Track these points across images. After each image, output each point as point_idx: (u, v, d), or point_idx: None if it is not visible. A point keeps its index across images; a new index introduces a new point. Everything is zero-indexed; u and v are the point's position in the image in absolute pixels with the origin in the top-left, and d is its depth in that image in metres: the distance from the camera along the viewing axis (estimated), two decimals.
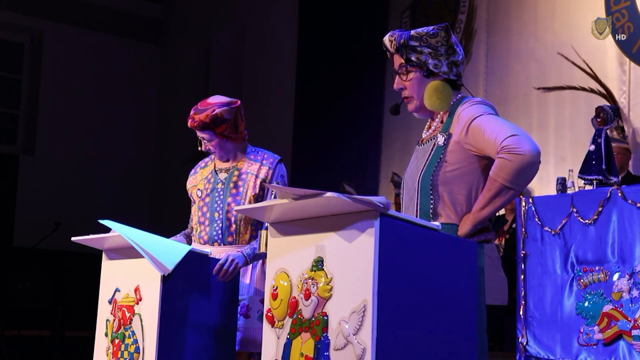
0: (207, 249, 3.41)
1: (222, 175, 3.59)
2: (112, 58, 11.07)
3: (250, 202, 3.46)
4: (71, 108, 10.73)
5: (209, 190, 3.58)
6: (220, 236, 3.50)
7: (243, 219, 3.48)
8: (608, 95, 6.29)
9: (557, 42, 6.89)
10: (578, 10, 6.74)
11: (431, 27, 2.68)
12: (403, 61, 2.68)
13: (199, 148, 3.61)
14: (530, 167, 2.45)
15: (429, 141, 2.69)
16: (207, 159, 3.75)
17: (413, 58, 2.65)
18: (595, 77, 6.34)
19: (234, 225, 3.49)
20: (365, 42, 8.52)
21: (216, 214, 3.52)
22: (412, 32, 2.68)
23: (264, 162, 3.58)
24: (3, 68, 10.68)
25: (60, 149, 10.58)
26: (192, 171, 3.75)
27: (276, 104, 9.60)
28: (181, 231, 3.74)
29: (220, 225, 3.51)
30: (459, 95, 2.70)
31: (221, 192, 3.55)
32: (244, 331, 3.37)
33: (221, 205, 3.52)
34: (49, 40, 10.78)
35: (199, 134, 3.55)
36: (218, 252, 3.44)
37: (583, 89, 6.43)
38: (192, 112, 3.52)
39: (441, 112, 2.70)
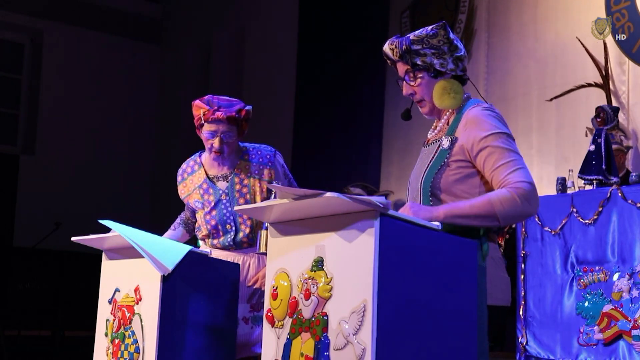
0: (222, 253, 3.41)
1: (222, 185, 3.50)
2: (112, 58, 11.08)
3: None
4: (71, 108, 10.74)
5: (212, 203, 3.49)
6: (232, 243, 3.48)
7: (257, 222, 3.42)
8: (609, 92, 6.28)
9: (557, 42, 6.90)
10: (578, 11, 6.74)
11: (429, 28, 2.63)
12: (409, 67, 2.63)
13: (211, 143, 3.40)
14: (524, 218, 2.58)
15: (434, 142, 2.65)
16: (191, 163, 3.59)
17: (419, 62, 2.61)
18: (602, 75, 6.33)
19: (248, 229, 3.45)
20: (365, 42, 8.52)
21: (228, 226, 3.47)
22: (412, 36, 2.63)
23: (262, 160, 3.50)
24: (3, 68, 10.68)
25: (60, 149, 10.59)
26: (179, 178, 3.60)
27: (276, 104, 9.61)
28: (177, 221, 3.71)
29: (234, 236, 3.47)
30: (465, 95, 2.66)
31: (227, 204, 3.47)
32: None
33: (232, 218, 3.46)
34: (49, 40, 10.79)
35: (221, 128, 3.37)
36: (233, 256, 3.44)
37: (590, 84, 6.40)
38: (213, 107, 3.37)
39: (448, 112, 2.67)
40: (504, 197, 2.43)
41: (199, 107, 3.42)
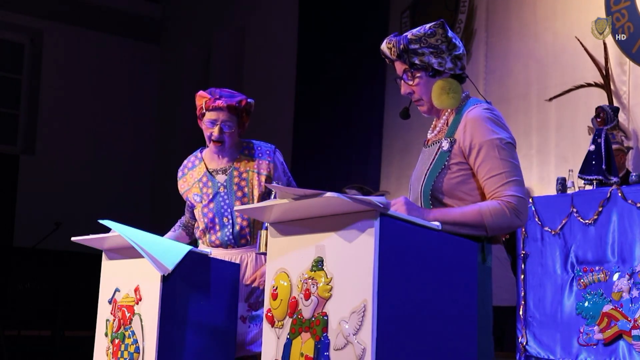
0: (220, 252, 3.40)
1: (221, 178, 3.52)
2: (112, 58, 11.08)
3: (258, 201, 3.43)
4: (71, 108, 10.74)
5: (210, 196, 3.50)
6: (232, 240, 3.47)
7: (255, 219, 3.43)
8: (610, 92, 6.27)
9: (557, 42, 6.90)
10: (578, 10, 6.74)
11: (427, 26, 2.60)
12: (407, 66, 2.61)
13: (211, 132, 3.44)
14: (512, 230, 2.59)
15: (434, 144, 2.63)
16: (192, 159, 3.64)
17: (417, 61, 2.59)
18: (602, 75, 6.33)
19: (247, 228, 3.46)
20: (365, 42, 8.52)
21: (225, 219, 3.47)
22: (409, 35, 2.60)
23: (262, 155, 3.52)
24: (3, 68, 10.68)
25: (60, 149, 10.59)
26: (180, 173, 3.64)
27: (276, 104, 9.60)
28: (177, 224, 3.71)
29: (231, 230, 3.47)
30: (464, 94, 2.64)
31: (225, 197, 3.48)
32: None
33: (229, 210, 3.46)
34: (49, 40, 10.78)
35: (221, 117, 3.43)
36: (230, 255, 3.43)
37: (590, 84, 6.41)
38: (214, 96, 3.42)
39: (447, 111, 2.65)
40: (494, 209, 2.44)
41: (201, 97, 3.49)
